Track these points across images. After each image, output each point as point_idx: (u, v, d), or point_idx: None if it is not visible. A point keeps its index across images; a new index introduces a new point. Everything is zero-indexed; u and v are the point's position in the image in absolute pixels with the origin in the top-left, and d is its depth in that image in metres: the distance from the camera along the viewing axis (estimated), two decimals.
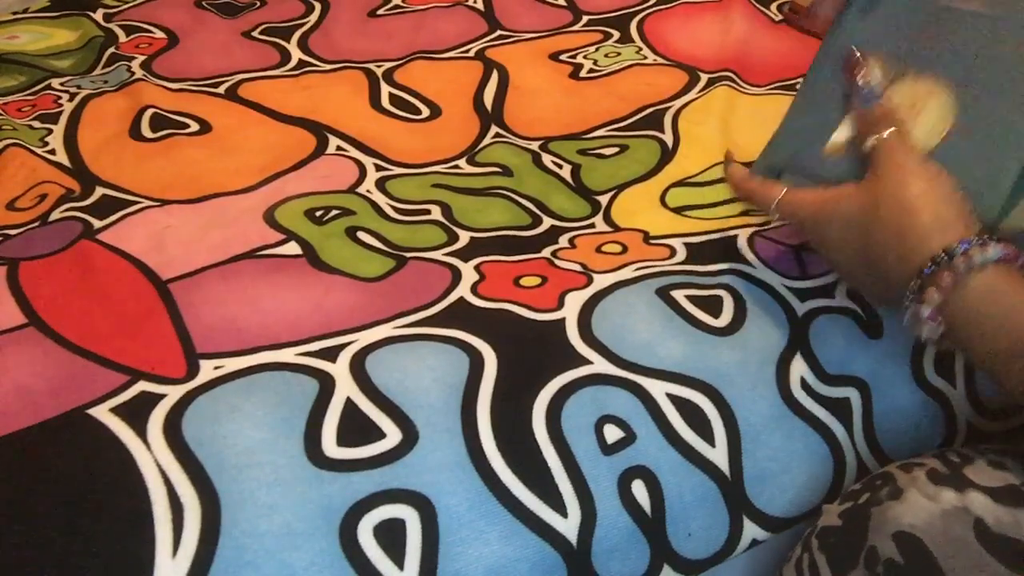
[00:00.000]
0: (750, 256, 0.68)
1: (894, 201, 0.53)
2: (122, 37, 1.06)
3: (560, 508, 0.54)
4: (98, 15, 1.10)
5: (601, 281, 0.65)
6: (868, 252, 0.54)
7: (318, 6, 1.12)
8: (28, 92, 0.95)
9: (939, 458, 0.51)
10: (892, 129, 0.56)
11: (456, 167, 0.82)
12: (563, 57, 1.00)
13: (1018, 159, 0.55)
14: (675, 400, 0.59)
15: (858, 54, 0.60)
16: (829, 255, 0.59)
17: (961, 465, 0.50)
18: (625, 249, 0.71)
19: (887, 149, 0.56)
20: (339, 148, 0.84)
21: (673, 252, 0.69)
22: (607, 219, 0.75)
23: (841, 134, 0.61)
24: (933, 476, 0.49)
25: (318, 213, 0.74)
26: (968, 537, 0.46)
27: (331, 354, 0.59)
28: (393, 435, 0.55)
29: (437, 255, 0.70)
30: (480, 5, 1.11)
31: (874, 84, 0.59)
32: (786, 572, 0.54)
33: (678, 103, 0.90)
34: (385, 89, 0.94)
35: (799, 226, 0.60)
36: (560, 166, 0.82)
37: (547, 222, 0.75)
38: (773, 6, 1.09)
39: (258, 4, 1.13)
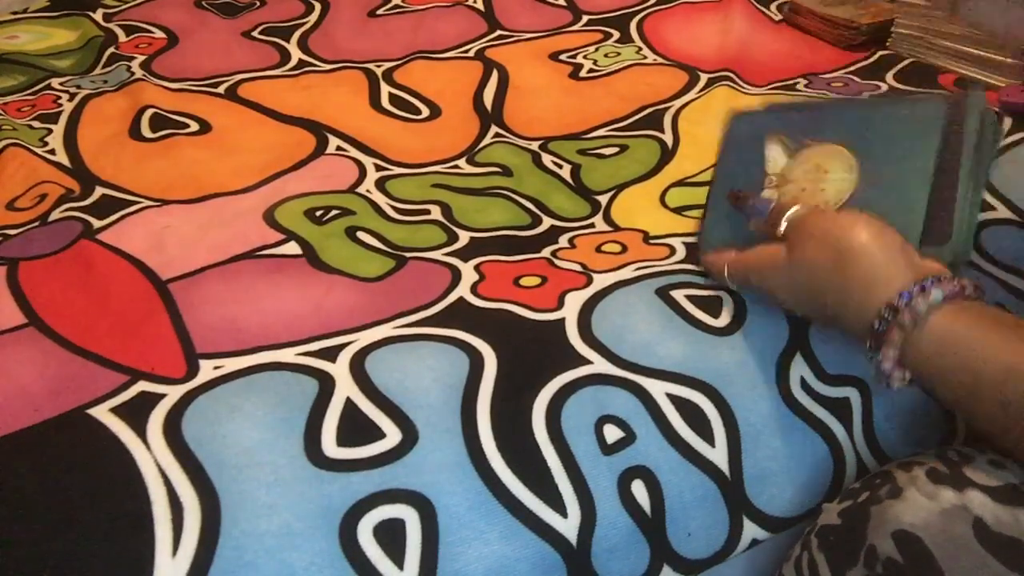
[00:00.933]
0: None
1: (824, 264, 0.54)
2: (122, 37, 1.06)
3: (560, 508, 0.54)
4: (98, 15, 1.10)
5: (601, 281, 0.65)
6: (823, 312, 0.56)
7: (318, 6, 1.12)
8: (28, 92, 0.95)
9: (939, 457, 0.51)
10: (796, 208, 0.58)
11: (456, 167, 0.82)
12: (563, 57, 1.00)
13: (922, 196, 0.60)
14: (675, 400, 0.59)
15: (738, 191, 0.64)
16: (785, 307, 0.60)
17: (961, 464, 0.50)
18: (625, 249, 0.71)
19: (798, 222, 0.57)
20: (339, 148, 0.84)
21: (673, 251, 0.69)
22: (607, 219, 0.75)
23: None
24: (933, 475, 0.49)
25: (318, 213, 0.74)
26: (967, 536, 0.46)
27: (331, 354, 0.59)
28: (393, 435, 0.55)
29: (437, 255, 0.70)
30: (480, 5, 1.11)
31: (763, 201, 0.61)
32: (786, 571, 0.54)
33: (678, 103, 0.90)
34: (385, 89, 0.94)
35: (749, 286, 0.61)
36: (560, 166, 0.82)
37: (547, 222, 0.75)
38: (773, 6, 1.09)
39: (258, 4, 1.13)
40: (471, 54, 1.01)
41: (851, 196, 0.62)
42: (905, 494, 0.49)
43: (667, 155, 0.83)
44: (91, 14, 1.10)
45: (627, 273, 0.66)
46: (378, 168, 0.82)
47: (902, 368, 0.51)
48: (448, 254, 0.70)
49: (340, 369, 0.58)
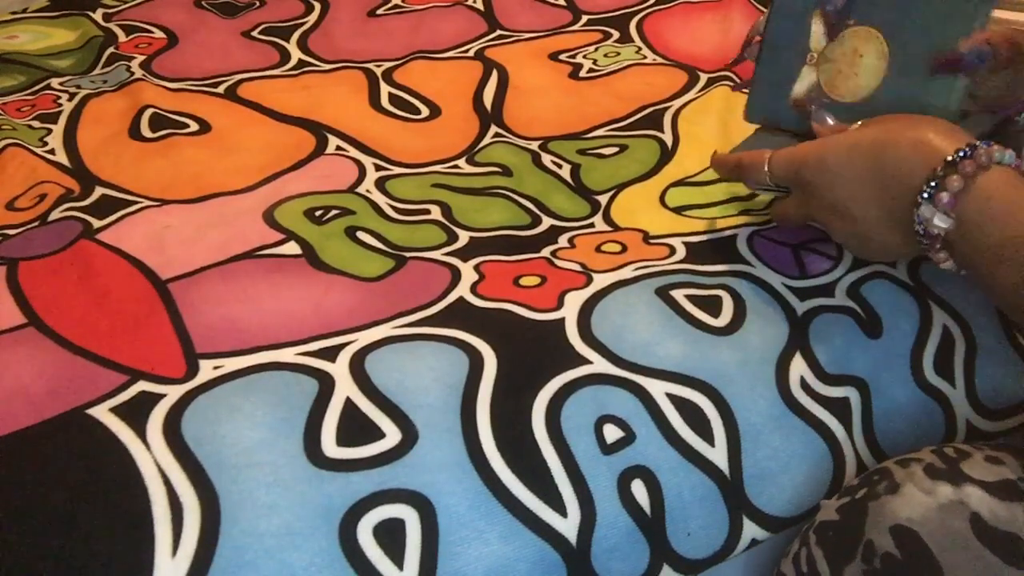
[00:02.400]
0: (749, 256, 0.68)
1: (908, 121, 0.56)
2: (121, 37, 1.06)
3: (560, 508, 0.54)
4: (97, 15, 1.10)
5: (601, 281, 0.65)
6: (880, 170, 0.55)
7: (318, 6, 1.12)
8: (27, 92, 0.95)
9: (936, 453, 0.51)
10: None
11: (456, 167, 0.82)
12: (563, 57, 1.00)
13: (948, 92, 0.60)
14: (675, 400, 0.59)
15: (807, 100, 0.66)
16: (831, 195, 0.59)
17: (958, 460, 0.50)
18: (624, 248, 0.71)
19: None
20: (339, 148, 0.84)
21: (672, 251, 0.69)
22: (607, 219, 0.75)
23: (801, 86, 0.66)
24: (930, 471, 0.49)
25: (318, 213, 0.74)
26: (965, 531, 0.46)
27: (331, 354, 0.59)
28: (393, 435, 0.55)
29: (437, 255, 0.70)
30: (480, 5, 1.11)
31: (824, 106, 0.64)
32: (784, 567, 0.54)
33: (678, 103, 0.90)
34: (385, 89, 0.94)
35: (795, 175, 0.61)
36: (560, 166, 0.82)
37: (547, 222, 0.75)
38: None
39: (257, 4, 1.13)
40: (471, 54, 1.01)
41: (880, 84, 0.62)
42: (903, 490, 0.49)
43: (667, 155, 0.83)
44: (91, 14, 1.10)
45: (627, 273, 0.66)
46: (378, 168, 0.82)
47: (952, 209, 0.52)
48: (448, 254, 0.70)
49: (340, 369, 0.58)
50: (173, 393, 0.56)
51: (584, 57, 0.99)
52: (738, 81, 0.93)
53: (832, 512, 0.52)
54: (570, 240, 0.73)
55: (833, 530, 0.51)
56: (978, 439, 0.64)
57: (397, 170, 0.82)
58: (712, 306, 0.63)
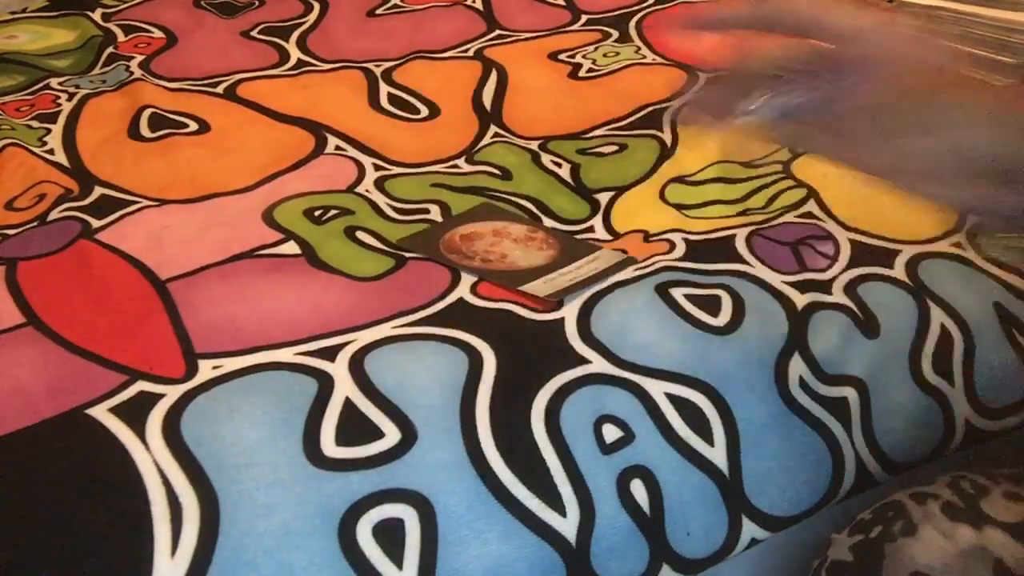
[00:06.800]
0: (748, 255, 0.68)
1: None
2: (121, 37, 1.06)
3: (559, 508, 0.54)
4: (97, 15, 1.10)
5: None
6: None
7: (317, 6, 1.12)
8: (27, 92, 0.95)
9: (952, 488, 0.49)
10: None
11: (455, 166, 0.82)
12: (562, 57, 1.00)
13: None
14: (674, 400, 0.59)
15: None
16: None
17: (976, 497, 0.48)
18: (624, 253, 0.70)
19: None
20: (338, 148, 0.84)
21: (672, 246, 0.69)
22: (607, 222, 0.75)
23: None
24: (948, 510, 0.48)
25: (317, 213, 0.74)
26: None
27: (330, 354, 0.59)
28: (392, 435, 0.55)
29: None
30: (479, 5, 1.11)
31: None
32: None
33: (677, 102, 0.90)
34: (384, 89, 0.94)
35: None
36: (559, 165, 0.82)
37: (547, 223, 0.75)
38: None
39: (257, 3, 1.13)
40: (470, 54, 1.01)
41: None
42: (920, 532, 0.47)
43: (666, 154, 0.82)
44: (90, 14, 1.10)
45: (626, 273, 0.66)
46: (377, 168, 0.81)
47: None
48: None
49: (339, 369, 0.58)
50: (172, 393, 0.56)
51: (583, 57, 0.99)
52: None
53: (845, 551, 0.50)
54: None
55: (848, 572, 0.49)
56: (977, 438, 0.64)
57: (396, 170, 0.81)
58: (711, 306, 0.63)
